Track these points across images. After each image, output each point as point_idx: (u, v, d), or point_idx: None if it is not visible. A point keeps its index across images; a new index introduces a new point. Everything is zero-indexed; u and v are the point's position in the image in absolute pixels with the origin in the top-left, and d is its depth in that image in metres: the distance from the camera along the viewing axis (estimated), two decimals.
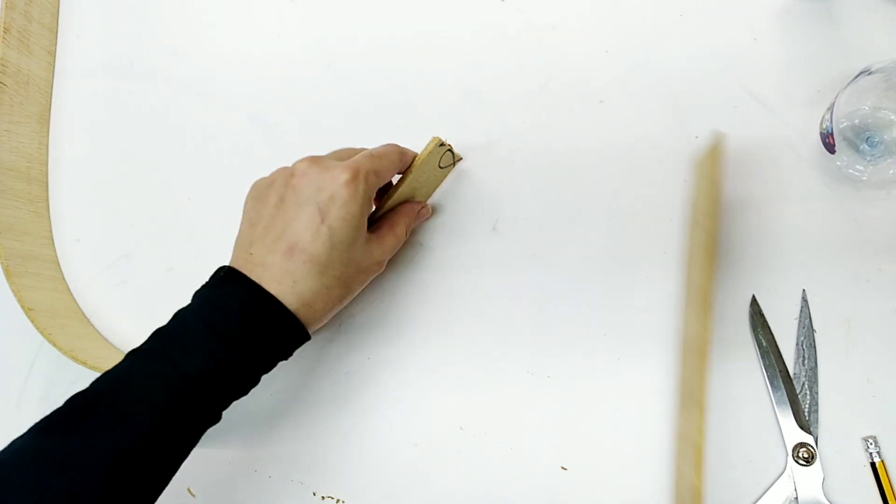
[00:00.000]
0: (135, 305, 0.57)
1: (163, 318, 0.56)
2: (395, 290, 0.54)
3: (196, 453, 0.55)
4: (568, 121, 0.55)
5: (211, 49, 0.60)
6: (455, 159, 0.54)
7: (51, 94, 0.59)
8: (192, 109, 0.59)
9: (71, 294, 0.57)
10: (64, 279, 0.56)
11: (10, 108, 0.54)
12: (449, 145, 0.50)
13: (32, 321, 0.51)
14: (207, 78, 0.59)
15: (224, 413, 0.55)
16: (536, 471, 0.51)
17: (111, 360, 0.52)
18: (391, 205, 0.50)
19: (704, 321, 0.47)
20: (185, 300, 0.57)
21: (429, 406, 0.53)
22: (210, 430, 0.55)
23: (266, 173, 0.57)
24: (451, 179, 0.55)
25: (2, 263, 0.52)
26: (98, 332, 0.56)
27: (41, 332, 0.51)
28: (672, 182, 0.53)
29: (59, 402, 0.56)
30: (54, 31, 0.59)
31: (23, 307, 0.52)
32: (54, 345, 0.51)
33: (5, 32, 0.53)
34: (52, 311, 0.54)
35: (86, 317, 0.56)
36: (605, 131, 0.54)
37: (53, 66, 0.59)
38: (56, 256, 0.57)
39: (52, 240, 0.57)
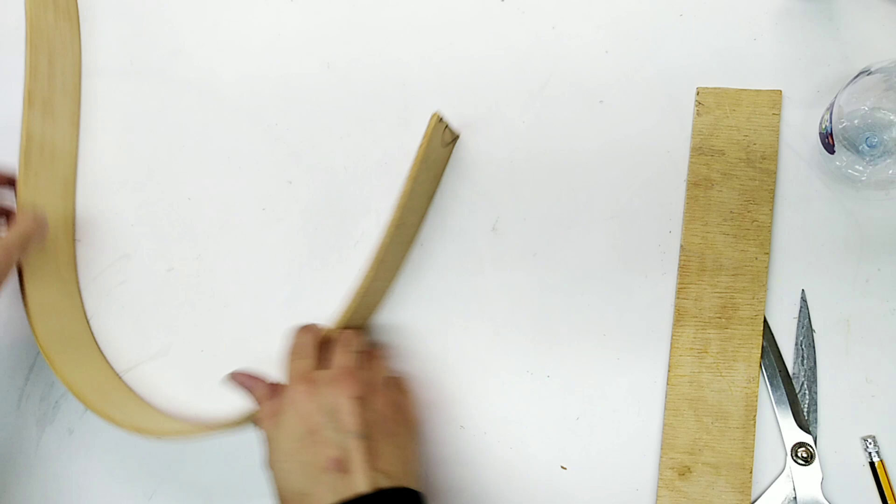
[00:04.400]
0: (135, 305, 0.57)
1: (162, 318, 0.57)
2: (394, 290, 0.54)
3: (196, 455, 0.55)
4: (568, 121, 0.55)
5: (211, 49, 0.60)
6: (454, 136, 0.53)
7: (76, 163, 0.58)
8: (192, 109, 0.59)
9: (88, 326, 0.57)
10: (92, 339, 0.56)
11: (36, 179, 0.53)
12: (446, 121, 0.50)
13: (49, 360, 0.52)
14: (207, 78, 0.59)
15: (224, 415, 0.55)
16: (536, 470, 0.51)
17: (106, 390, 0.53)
18: (407, 192, 0.48)
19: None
20: (185, 300, 0.57)
21: (428, 405, 0.53)
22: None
23: (266, 173, 0.57)
24: (451, 179, 0.55)
25: (41, 346, 0.52)
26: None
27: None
28: (671, 182, 0.53)
29: (60, 403, 0.56)
30: (77, 101, 0.57)
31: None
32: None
33: (30, 105, 0.52)
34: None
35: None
36: (605, 131, 0.54)
37: (78, 137, 0.57)
38: (91, 332, 0.56)
39: (85, 315, 0.57)
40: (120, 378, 0.55)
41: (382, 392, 0.46)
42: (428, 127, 0.48)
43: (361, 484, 0.40)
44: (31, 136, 0.52)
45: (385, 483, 0.41)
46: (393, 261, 0.52)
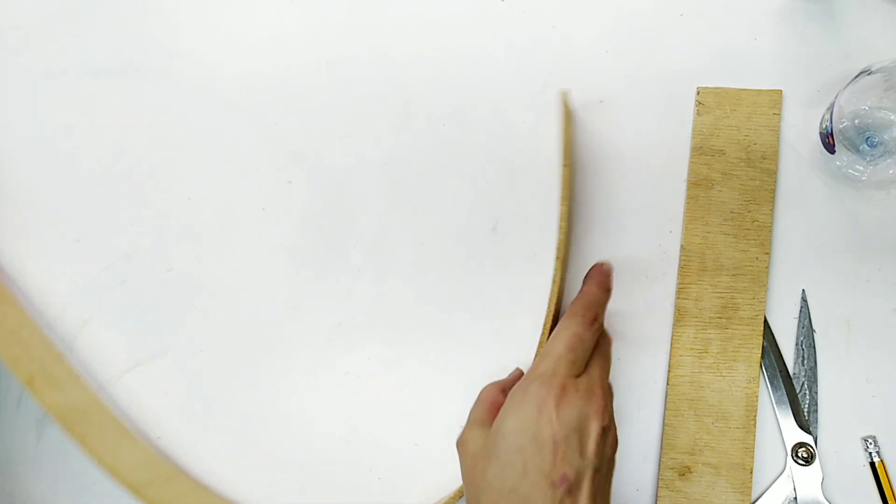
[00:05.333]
0: (134, 306, 0.57)
1: (162, 319, 0.57)
2: (395, 290, 0.54)
3: (198, 454, 0.55)
4: None
5: (211, 49, 0.60)
6: (571, 113, 0.51)
7: (115, 418, 0.56)
8: (191, 109, 0.59)
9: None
10: None
11: (99, 437, 0.52)
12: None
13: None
14: (207, 78, 0.59)
15: (224, 416, 0.55)
16: None
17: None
18: (567, 180, 0.46)
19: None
20: (185, 301, 0.57)
21: (429, 405, 0.53)
22: (210, 432, 0.55)
23: (266, 173, 0.57)
24: (451, 179, 0.55)
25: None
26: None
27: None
28: (671, 182, 0.53)
29: None
30: (66, 363, 0.56)
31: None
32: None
33: (29, 383, 0.51)
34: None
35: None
36: (605, 131, 0.54)
37: (93, 392, 0.55)
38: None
39: None
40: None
41: (614, 427, 0.43)
42: (563, 107, 0.46)
43: None
44: (57, 408, 0.52)
45: None
46: (568, 257, 0.49)
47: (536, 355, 0.46)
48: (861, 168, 0.48)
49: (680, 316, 0.50)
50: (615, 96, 0.54)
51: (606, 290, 0.44)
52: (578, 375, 0.41)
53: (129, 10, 0.61)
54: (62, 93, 0.61)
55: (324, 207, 0.56)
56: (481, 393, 0.45)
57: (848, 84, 0.47)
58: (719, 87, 0.52)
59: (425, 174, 0.56)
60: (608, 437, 0.41)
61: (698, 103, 0.53)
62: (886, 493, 0.47)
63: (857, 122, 0.48)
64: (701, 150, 0.52)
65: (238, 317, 0.56)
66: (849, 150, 0.48)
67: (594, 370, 0.42)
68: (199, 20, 0.60)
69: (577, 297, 0.43)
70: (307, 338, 0.55)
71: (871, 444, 0.48)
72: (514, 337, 0.52)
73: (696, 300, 0.50)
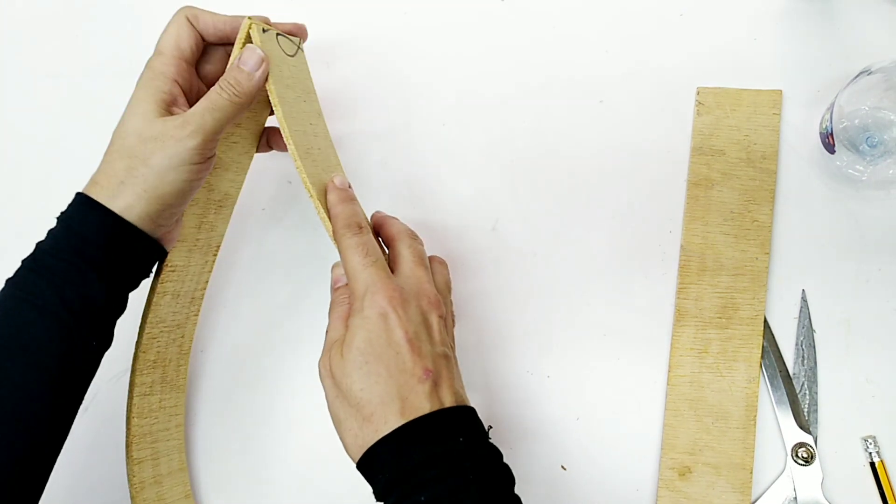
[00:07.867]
0: (133, 304, 0.57)
1: None
2: None
3: (197, 454, 0.55)
4: (568, 121, 0.55)
5: None
6: (295, 44, 0.50)
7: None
8: None
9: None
10: None
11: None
12: (270, 29, 0.47)
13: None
14: None
15: (225, 417, 0.54)
16: (536, 471, 0.51)
17: None
18: (283, 117, 0.45)
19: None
20: None
21: None
22: (210, 432, 0.55)
23: (266, 173, 0.57)
24: (451, 179, 0.55)
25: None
26: None
27: None
28: (671, 182, 0.53)
29: None
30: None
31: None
32: None
33: None
34: None
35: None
36: (606, 131, 0.54)
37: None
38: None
39: None
40: None
41: (452, 313, 0.45)
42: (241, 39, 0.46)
43: (448, 399, 0.41)
44: None
45: (461, 402, 0.42)
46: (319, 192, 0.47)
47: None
48: (861, 168, 0.48)
49: (680, 316, 0.50)
50: (615, 96, 0.54)
51: (351, 200, 0.46)
52: (392, 272, 0.44)
53: (129, 10, 0.61)
54: (62, 93, 0.61)
55: None
56: (336, 310, 0.45)
57: (848, 84, 0.47)
58: (719, 87, 0.52)
59: (425, 173, 0.56)
60: (448, 324, 0.45)
61: (698, 103, 0.53)
62: (886, 493, 0.47)
63: (857, 122, 0.48)
64: (701, 150, 0.52)
65: (237, 317, 0.56)
66: (849, 150, 0.48)
67: (416, 270, 0.44)
68: None
69: (333, 220, 0.45)
70: (308, 338, 0.55)
71: (871, 444, 0.48)
72: (514, 336, 0.52)
73: (696, 300, 0.50)
